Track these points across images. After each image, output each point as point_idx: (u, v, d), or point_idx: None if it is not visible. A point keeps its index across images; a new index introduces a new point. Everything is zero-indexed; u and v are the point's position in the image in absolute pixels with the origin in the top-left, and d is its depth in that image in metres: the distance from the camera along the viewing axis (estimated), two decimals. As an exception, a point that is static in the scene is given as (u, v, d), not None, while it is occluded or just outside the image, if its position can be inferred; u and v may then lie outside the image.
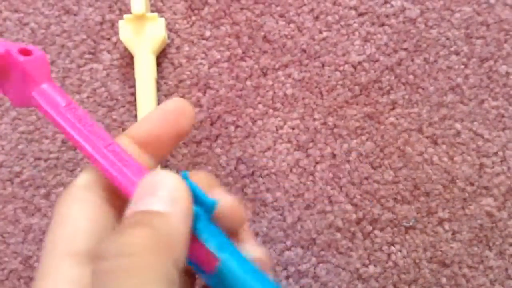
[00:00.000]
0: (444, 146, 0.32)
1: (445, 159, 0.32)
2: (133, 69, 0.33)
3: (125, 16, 0.32)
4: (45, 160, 0.32)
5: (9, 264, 0.32)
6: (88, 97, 0.33)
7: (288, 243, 0.32)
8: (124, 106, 0.33)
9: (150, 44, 0.32)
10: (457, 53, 0.32)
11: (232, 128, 0.33)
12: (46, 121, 0.32)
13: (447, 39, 0.33)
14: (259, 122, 0.33)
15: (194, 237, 0.17)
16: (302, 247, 0.32)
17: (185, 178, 0.17)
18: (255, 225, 0.32)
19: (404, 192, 0.32)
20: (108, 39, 0.33)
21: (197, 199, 0.17)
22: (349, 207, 0.32)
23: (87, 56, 0.33)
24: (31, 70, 0.18)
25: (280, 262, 0.32)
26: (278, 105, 0.33)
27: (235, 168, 0.32)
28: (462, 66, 0.32)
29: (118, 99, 0.33)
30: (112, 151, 0.18)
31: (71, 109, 0.18)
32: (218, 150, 0.32)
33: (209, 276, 0.17)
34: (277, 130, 0.33)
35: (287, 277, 0.31)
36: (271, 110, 0.33)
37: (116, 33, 0.33)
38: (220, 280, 0.17)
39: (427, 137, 0.32)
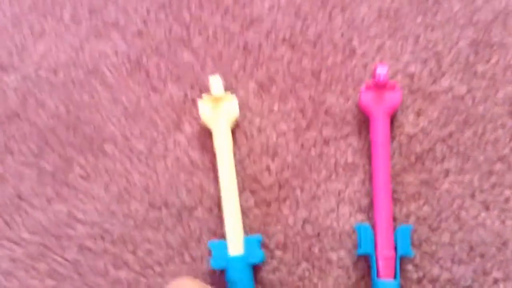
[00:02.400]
0: (495, 211, 0.35)
1: (497, 223, 0.34)
2: (211, 139, 0.37)
3: (204, 95, 0.36)
4: (133, 219, 0.36)
5: (97, 315, 0.35)
6: (172, 163, 0.37)
7: (353, 300, 0.34)
8: (203, 172, 0.37)
9: (227, 120, 0.36)
10: (503, 127, 0.36)
11: (298, 191, 0.36)
12: (135, 184, 0.37)
13: (493, 114, 0.36)
14: (323, 186, 0.36)
15: None
16: (366, 304, 0.34)
17: None
18: (322, 282, 0.34)
19: (461, 254, 0.34)
20: (190, 113, 0.38)
21: None
22: (410, 267, 0.34)
23: (171, 127, 0.38)
24: None
25: (345, 318, 0.34)
26: (340, 170, 0.36)
27: (302, 228, 0.36)
28: (508, 139, 0.36)
29: (198, 165, 0.37)
30: None
31: None
32: (286, 211, 0.36)
33: None
34: (339, 194, 0.36)
35: (353, 333, 0.33)
36: (334, 175, 0.36)
37: (197, 108, 0.38)
38: None
39: (479, 202, 0.35)
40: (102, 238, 0.36)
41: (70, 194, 0.37)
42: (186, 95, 0.38)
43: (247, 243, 0.33)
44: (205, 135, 0.37)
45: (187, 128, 0.38)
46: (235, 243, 0.33)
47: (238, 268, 0.33)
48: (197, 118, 0.38)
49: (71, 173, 0.37)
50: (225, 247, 0.33)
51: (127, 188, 0.37)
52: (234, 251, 0.33)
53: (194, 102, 0.38)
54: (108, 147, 0.38)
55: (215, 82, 0.35)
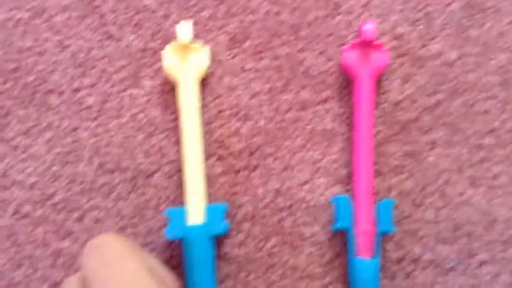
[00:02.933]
0: (483, 188, 0.32)
1: (484, 201, 0.32)
2: (173, 95, 0.32)
3: (170, 44, 0.32)
4: (80, 183, 0.31)
5: (33, 291, 0.30)
6: (127, 121, 0.32)
7: (327, 279, 0.31)
8: (163, 132, 0.32)
9: (195, 72, 0.32)
10: (493, 98, 0.33)
11: (270, 159, 0.32)
12: (83, 143, 0.32)
13: (484, 84, 0.33)
14: (298, 155, 0.32)
15: None
16: (341, 284, 0.31)
17: None
18: (293, 259, 0.31)
19: (445, 233, 0.31)
20: (150, 66, 0.33)
21: None
22: (390, 245, 0.31)
23: (127, 81, 0.33)
24: None
25: (317, 300, 0.30)
26: (317, 138, 0.33)
27: (273, 200, 0.32)
28: (499, 111, 0.33)
29: (158, 125, 0.32)
30: None
31: None
32: (256, 181, 0.32)
33: None
34: (315, 163, 0.32)
35: (325, 316, 0.30)
36: (310, 144, 0.33)
37: (158, 61, 0.33)
38: None
39: (467, 178, 0.32)
40: (43, 203, 0.31)
41: (7, 151, 0.32)
42: (146, 45, 0.33)
43: (209, 212, 0.29)
44: (167, 91, 0.33)
45: (146, 82, 0.33)
46: (195, 210, 0.29)
47: (197, 239, 0.28)
48: (158, 71, 0.33)
49: (8, 128, 0.32)
50: (183, 215, 0.29)
51: (73, 147, 0.32)
52: (193, 220, 0.29)
53: (155, 53, 0.33)
54: (53, 100, 0.32)
55: (184, 27, 0.31)
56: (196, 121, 0.31)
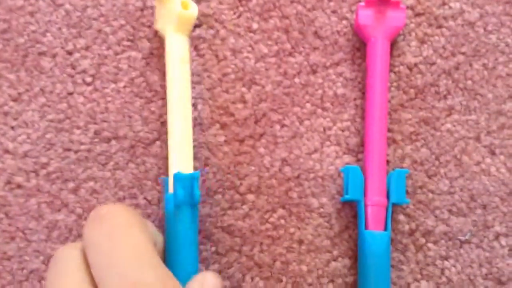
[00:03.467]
0: (502, 157, 0.30)
1: (503, 170, 0.30)
2: (174, 59, 0.30)
3: None
4: (75, 152, 0.30)
5: (30, 264, 0.29)
6: (125, 86, 0.30)
7: (335, 253, 0.29)
8: (163, 98, 0.30)
9: (183, 25, 0.28)
10: (516, 60, 0.31)
11: (277, 127, 0.31)
12: (78, 110, 0.30)
13: (507, 45, 0.31)
14: (307, 122, 0.31)
15: None
16: (349, 258, 0.29)
17: None
18: (300, 232, 0.30)
19: (460, 204, 0.30)
20: (149, 26, 0.31)
21: None
22: (401, 217, 0.30)
23: (125, 43, 0.31)
24: None
25: (326, 274, 0.29)
26: (327, 104, 0.31)
27: (280, 170, 0.30)
28: (522, 74, 0.31)
29: (157, 90, 0.30)
30: None
31: None
32: (262, 150, 0.30)
33: None
34: (325, 131, 0.31)
35: (333, 290, 0.29)
36: (320, 110, 0.31)
37: (157, 21, 0.31)
38: None
39: (484, 146, 0.30)
40: (36, 173, 0.29)
41: (-3, 119, 0.30)
42: (145, 3, 0.31)
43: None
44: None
45: (144, 44, 0.31)
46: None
47: (168, 209, 0.26)
48: (158, 32, 0.31)
49: (-2, 93, 0.30)
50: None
51: (68, 114, 0.30)
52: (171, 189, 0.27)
53: (153, 12, 0.31)
54: (45, 63, 0.30)
55: None
56: (182, 80, 0.28)
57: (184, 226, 0.26)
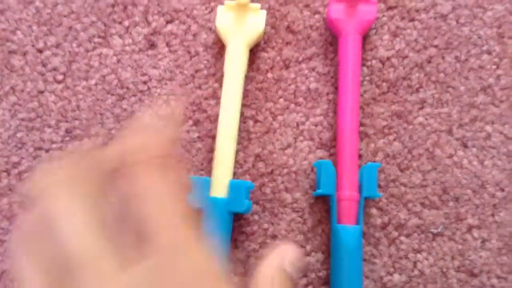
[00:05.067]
0: (474, 149, 0.30)
1: (475, 162, 0.30)
2: (147, 55, 0.30)
3: (226, 2, 0.29)
4: (47, 151, 0.29)
5: (2, 264, 0.29)
6: (96, 84, 0.30)
7: (308, 247, 0.30)
8: (135, 95, 0.30)
9: (249, 37, 0.29)
10: (488, 53, 0.31)
11: (251, 122, 0.30)
12: (49, 108, 0.30)
13: (479, 37, 0.31)
14: (280, 117, 0.31)
15: None
16: (323, 253, 0.30)
17: None
18: (273, 227, 0.30)
19: (432, 197, 0.30)
20: (120, 22, 0.31)
21: None
22: (374, 211, 0.30)
23: (96, 40, 0.31)
24: None
25: (299, 268, 0.29)
26: (300, 99, 0.31)
27: (253, 166, 0.30)
28: (494, 66, 0.31)
29: (129, 87, 0.30)
30: None
31: None
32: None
33: None
34: (298, 126, 0.31)
35: (307, 285, 0.29)
36: (293, 105, 0.31)
37: (128, 17, 0.31)
38: None
39: (456, 139, 0.30)
40: (7, 172, 0.29)
41: (-31, 118, 0.30)
42: (115, -1, 0.31)
43: (232, 187, 0.27)
44: (138, 50, 0.30)
45: (116, 41, 0.30)
46: (220, 183, 0.28)
47: (218, 212, 0.27)
48: (129, 28, 0.30)
49: (-31, 92, 0.30)
50: (208, 185, 0.28)
51: (39, 112, 0.30)
52: (216, 192, 0.28)
53: (125, 9, 0.31)
54: (16, 61, 0.30)
55: None
56: (240, 88, 0.29)
57: (228, 230, 0.28)
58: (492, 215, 0.30)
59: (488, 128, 0.30)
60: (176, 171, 0.18)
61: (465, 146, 0.30)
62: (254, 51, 0.31)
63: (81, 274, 0.17)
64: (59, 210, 0.18)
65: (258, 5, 0.29)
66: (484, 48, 0.31)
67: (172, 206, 0.17)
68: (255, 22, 0.29)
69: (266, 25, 0.31)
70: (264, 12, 0.30)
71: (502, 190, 0.30)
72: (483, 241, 0.30)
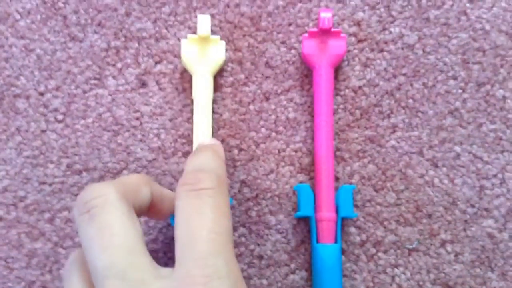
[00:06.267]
0: (444, 169, 0.32)
1: (446, 181, 0.32)
2: (139, 94, 0.33)
3: (188, 36, 0.32)
4: (50, 185, 0.32)
5: (12, 290, 0.31)
6: (93, 122, 0.33)
7: (293, 266, 0.32)
8: (129, 131, 0.33)
9: (211, 65, 0.32)
10: (454, 78, 0.33)
11: (236, 151, 0.33)
12: (51, 145, 0.33)
13: (445, 64, 0.33)
14: (262, 145, 0.33)
15: None
16: (306, 270, 0.32)
17: None
18: (259, 248, 0.32)
19: (407, 215, 0.32)
20: (113, 65, 0.34)
21: None
22: (352, 229, 0.32)
23: (92, 81, 0.34)
24: None
25: (284, 286, 0.32)
26: (280, 128, 0.33)
27: (239, 191, 0.33)
28: (460, 91, 0.33)
29: (123, 123, 0.33)
30: None
31: None
32: (222, 174, 0.33)
33: None
34: (279, 153, 0.33)
35: (292, 301, 0.31)
36: (274, 134, 0.33)
37: (121, 60, 0.34)
38: None
39: (427, 160, 0.33)
40: (15, 206, 0.32)
41: (-21, 157, 0.33)
42: (109, 44, 0.34)
43: None
44: (131, 89, 0.33)
45: (110, 82, 0.33)
46: None
47: None
48: (122, 70, 0.33)
49: (-21, 134, 0.33)
50: None
51: (42, 150, 0.33)
52: None
53: (118, 52, 0.34)
54: (20, 104, 0.33)
55: (204, 20, 0.31)
56: (209, 113, 0.32)
57: None
58: (464, 230, 0.32)
59: (457, 148, 0.33)
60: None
61: (435, 166, 0.33)
62: (236, 86, 0.34)
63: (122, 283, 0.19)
64: (118, 222, 0.21)
65: (218, 37, 0.32)
66: (450, 74, 0.33)
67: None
68: (217, 52, 0.32)
69: (246, 62, 0.34)
70: (223, 42, 0.32)
71: (473, 206, 0.32)
72: (456, 254, 0.32)
